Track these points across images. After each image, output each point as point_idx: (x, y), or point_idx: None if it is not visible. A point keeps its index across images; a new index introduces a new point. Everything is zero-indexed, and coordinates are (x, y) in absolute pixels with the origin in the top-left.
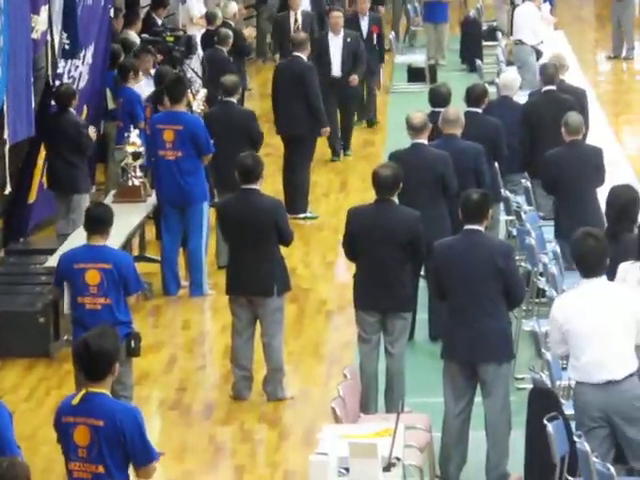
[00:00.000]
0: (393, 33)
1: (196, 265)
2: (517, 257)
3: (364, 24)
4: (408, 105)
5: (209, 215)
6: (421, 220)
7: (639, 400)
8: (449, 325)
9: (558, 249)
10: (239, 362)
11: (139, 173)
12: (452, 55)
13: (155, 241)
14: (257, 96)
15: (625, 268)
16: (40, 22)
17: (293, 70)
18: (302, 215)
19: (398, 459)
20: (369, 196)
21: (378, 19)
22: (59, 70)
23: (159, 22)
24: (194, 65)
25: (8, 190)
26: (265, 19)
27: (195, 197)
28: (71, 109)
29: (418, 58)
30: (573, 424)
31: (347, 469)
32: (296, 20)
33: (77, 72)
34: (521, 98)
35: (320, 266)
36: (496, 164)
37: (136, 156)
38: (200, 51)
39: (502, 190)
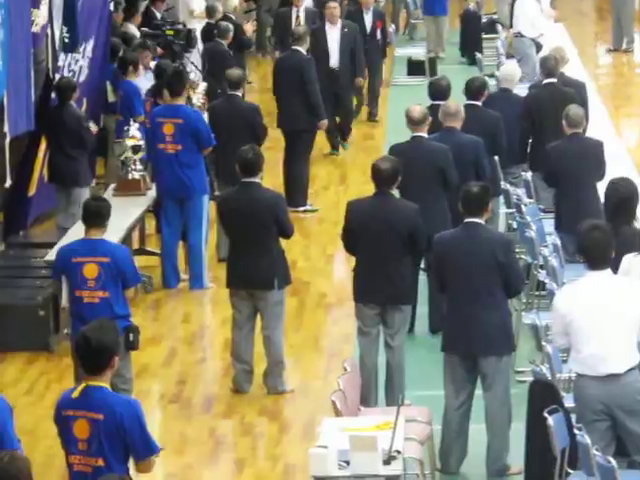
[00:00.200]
0: (393, 26)
1: (196, 258)
2: (517, 250)
3: (368, 19)
4: (408, 98)
5: (209, 208)
6: (420, 213)
7: None
8: (449, 318)
9: (558, 242)
10: (239, 355)
11: (139, 166)
12: (452, 48)
13: (155, 234)
14: (257, 89)
15: (629, 260)
16: (40, 16)
17: (292, 64)
18: (302, 208)
19: (398, 452)
20: (369, 189)
21: (382, 14)
22: (59, 63)
23: (158, 16)
24: (194, 59)
25: (8, 183)
26: (265, 12)
27: (195, 190)
28: (72, 102)
29: (418, 51)
30: (573, 417)
31: (347, 462)
32: (297, 16)
33: (77, 66)
34: (521, 91)
35: (320, 259)
36: (496, 157)
37: (136, 149)
38: (200, 45)
39: (502, 183)
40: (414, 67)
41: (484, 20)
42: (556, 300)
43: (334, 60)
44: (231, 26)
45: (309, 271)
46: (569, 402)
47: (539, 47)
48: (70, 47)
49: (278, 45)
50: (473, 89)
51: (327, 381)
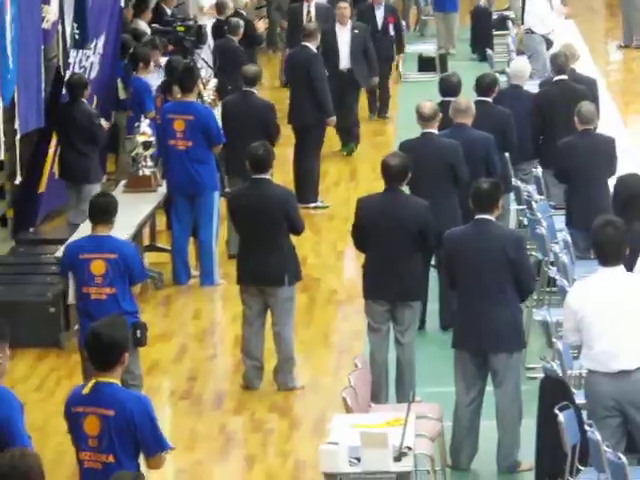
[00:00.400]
0: (404, 23)
1: (207, 255)
2: (528, 246)
3: (379, 14)
4: (418, 95)
5: (220, 204)
6: (431, 209)
7: None
8: (460, 315)
9: (569, 238)
10: (250, 352)
11: (150, 163)
12: (462, 44)
13: (166, 231)
14: (267, 86)
15: None
16: (51, 12)
17: (300, 60)
18: (312, 204)
19: (409, 448)
20: (379, 185)
21: (394, 9)
22: (70, 60)
23: (168, 12)
24: (205, 55)
25: (19, 180)
26: (275, 9)
27: (206, 186)
28: (83, 99)
29: (428, 47)
30: (584, 413)
31: (358, 459)
32: (309, 12)
33: (88, 62)
34: (531, 87)
35: (331, 255)
36: (506, 154)
37: (147, 146)
38: (211, 41)
39: (513, 179)
40: (425, 63)
41: (495, 16)
42: (568, 296)
43: (344, 61)
44: (242, 22)
45: (319, 267)
46: (580, 399)
47: (550, 44)
48: (80, 43)
49: (289, 41)
50: (484, 85)
51: (337, 377)
